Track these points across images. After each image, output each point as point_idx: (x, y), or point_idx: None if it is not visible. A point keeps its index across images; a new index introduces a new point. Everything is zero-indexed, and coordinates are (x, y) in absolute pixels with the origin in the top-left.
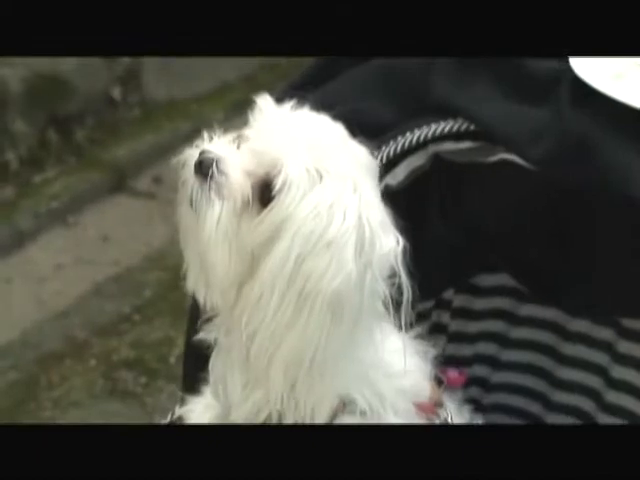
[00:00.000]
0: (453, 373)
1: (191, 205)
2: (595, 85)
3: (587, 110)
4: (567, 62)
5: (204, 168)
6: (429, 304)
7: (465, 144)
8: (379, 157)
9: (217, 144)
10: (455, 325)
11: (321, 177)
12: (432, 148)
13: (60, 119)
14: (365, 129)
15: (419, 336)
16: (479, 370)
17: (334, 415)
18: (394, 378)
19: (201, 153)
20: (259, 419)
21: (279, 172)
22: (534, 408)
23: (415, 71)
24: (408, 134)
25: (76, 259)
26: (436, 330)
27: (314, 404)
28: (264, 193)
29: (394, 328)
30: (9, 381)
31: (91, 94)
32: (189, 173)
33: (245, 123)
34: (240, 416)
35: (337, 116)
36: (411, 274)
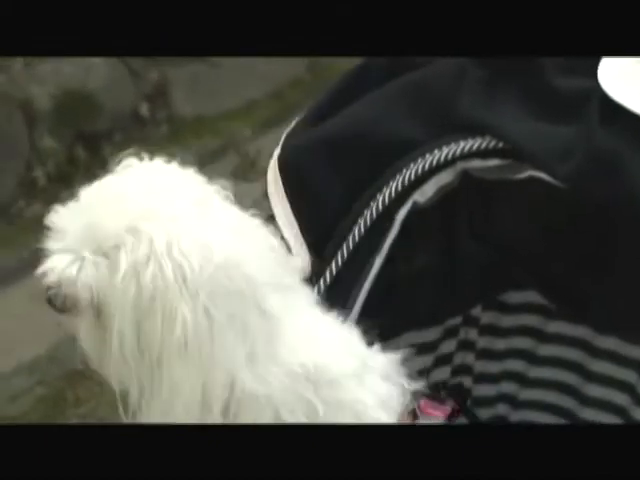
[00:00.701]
0: (434, 410)
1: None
2: (624, 103)
3: (616, 127)
4: (596, 80)
5: (59, 306)
6: (457, 321)
7: (493, 162)
8: (407, 174)
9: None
10: (483, 342)
11: (107, 255)
12: (460, 165)
13: (88, 136)
14: (393, 147)
15: (405, 360)
16: (507, 387)
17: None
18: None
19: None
20: None
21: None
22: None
23: (443, 89)
24: (436, 151)
25: None
26: (464, 347)
27: None
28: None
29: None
30: (36, 397)
31: (119, 111)
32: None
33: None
34: None
35: (366, 135)
36: (439, 290)
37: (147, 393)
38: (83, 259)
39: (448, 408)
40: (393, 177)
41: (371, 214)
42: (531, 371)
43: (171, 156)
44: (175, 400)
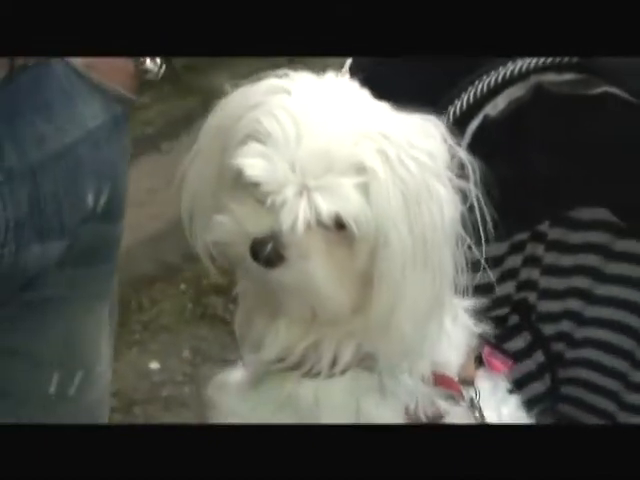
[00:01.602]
0: (496, 361)
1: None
2: None
3: None
4: None
5: (275, 260)
6: (524, 236)
7: (568, 75)
8: (480, 87)
9: (249, 222)
10: (550, 258)
11: (364, 171)
12: (534, 79)
13: None
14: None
15: (480, 310)
16: (572, 303)
17: (348, 366)
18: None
19: (254, 248)
20: (286, 362)
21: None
22: (628, 344)
23: None
24: (510, 64)
25: (170, 184)
26: (530, 262)
27: (341, 352)
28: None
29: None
30: None
31: None
32: (257, 270)
33: None
34: (264, 360)
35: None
36: (508, 205)
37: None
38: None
39: (510, 362)
40: (465, 89)
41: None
42: (598, 289)
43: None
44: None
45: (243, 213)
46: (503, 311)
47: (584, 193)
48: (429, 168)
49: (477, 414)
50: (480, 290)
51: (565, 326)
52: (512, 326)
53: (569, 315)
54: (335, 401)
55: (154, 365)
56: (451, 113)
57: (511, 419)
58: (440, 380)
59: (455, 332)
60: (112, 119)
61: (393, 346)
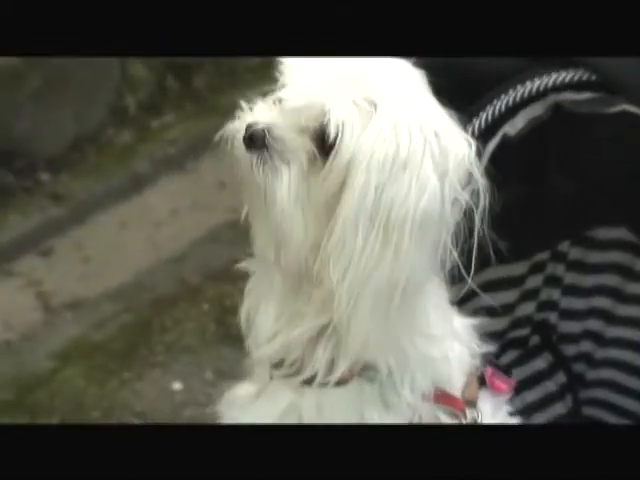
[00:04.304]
0: (498, 381)
1: (254, 180)
2: None
3: None
4: None
5: (257, 141)
6: (545, 255)
7: (586, 94)
8: (498, 106)
9: (259, 113)
10: (570, 278)
11: (375, 105)
12: (552, 98)
13: (179, 65)
14: (485, 79)
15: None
16: (593, 324)
17: (350, 377)
18: (426, 342)
19: (248, 127)
20: (286, 362)
21: (329, 118)
22: None
23: None
24: (528, 83)
25: (192, 204)
26: (551, 282)
27: (337, 355)
28: (323, 145)
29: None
30: (122, 324)
31: None
32: (241, 151)
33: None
34: (266, 354)
35: (455, 67)
36: (527, 224)
37: (347, 261)
38: (334, 99)
39: (513, 381)
40: (483, 108)
41: None
42: (618, 309)
43: (261, 86)
44: (385, 276)
45: (259, 108)
46: (524, 332)
47: (603, 212)
48: (433, 155)
49: None
50: (501, 310)
51: (586, 346)
52: (533, 347)
53: (590, 335)
54: (338, 412)
55: (177, 386)
56: (469, 132)
57: None
58: (443, 397)
59: (458, 350)
60: None
61: (357, 330)
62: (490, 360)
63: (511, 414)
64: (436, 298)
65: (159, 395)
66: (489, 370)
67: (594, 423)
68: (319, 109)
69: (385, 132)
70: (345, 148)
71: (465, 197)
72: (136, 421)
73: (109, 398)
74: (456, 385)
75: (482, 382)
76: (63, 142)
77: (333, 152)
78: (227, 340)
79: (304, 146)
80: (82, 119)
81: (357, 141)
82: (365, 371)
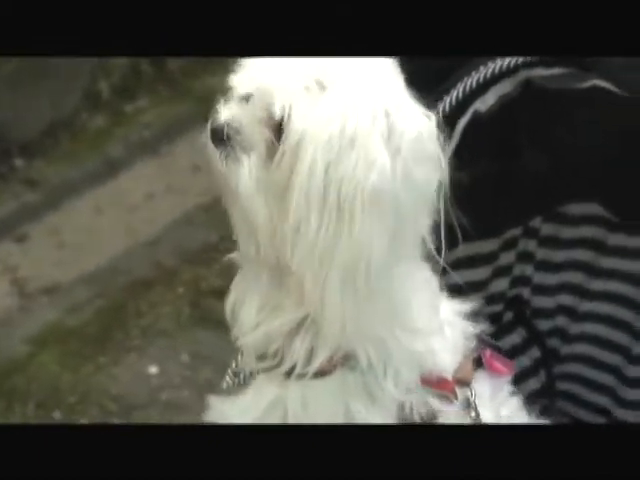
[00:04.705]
0: (497, 363)
1: (221, 173)
2: None
3: None
4: None
5: (219, 135)
6: (517, 232)
7: (556, 70)
8: (469, 83)
9: (226, 107)
10: (542, 253)
11: (323, 87)
12: (523, 74)
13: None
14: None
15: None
16: (566, 299)
17: (332, 367)
18: (410, 336)
19: (211, 123)
20: (269, 351)
21: (274, 102)
22: (622, 339)
23: None
24: (499, 59)
25: (167, 188)
26: (523, 258)
27: (316, 345)
28: (280, 131)
29: (439, 286)
30: (97, 308)
31: None
32: (209, 144)
33: None
34: (249, 345)
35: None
36: (499, 201)
37: (312, 239)
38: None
39: (512, 363)
40: (454, 85)
41: None
42: (591, 283)
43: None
44: (356, 254)
45: (226, 109)
46: (498, 308)
47: (575, 188)
48: (382, 132)
49: (473, 414)
50: (474, 287)
51: (560, 321)
52: (507, 322)
53: (563, 310)
54: (323, 404)
55: (153, 369)
56: (440, 109)
57: (510, 420)
58: (430, 380)
59: (450, 333)
60: None
61: (330, 316)
62: (489, 342)
63: (512, 393)
64: (421, 289)
65: (135, 379)
66: (487, 352)
67: (594, 423)
68: (268, 96)
69: (332, 111)
70: (294, 130)
71: (421, 175)
72: (112, 405)
73: (85, 382)
74: (448, 367)
75: (480, 363)
76: (37, 127)
77: (283, 136)
78: (202, 323)
79: (262, 135)
80: (56, 104)
81: (303, 123)
82: (347, 361)
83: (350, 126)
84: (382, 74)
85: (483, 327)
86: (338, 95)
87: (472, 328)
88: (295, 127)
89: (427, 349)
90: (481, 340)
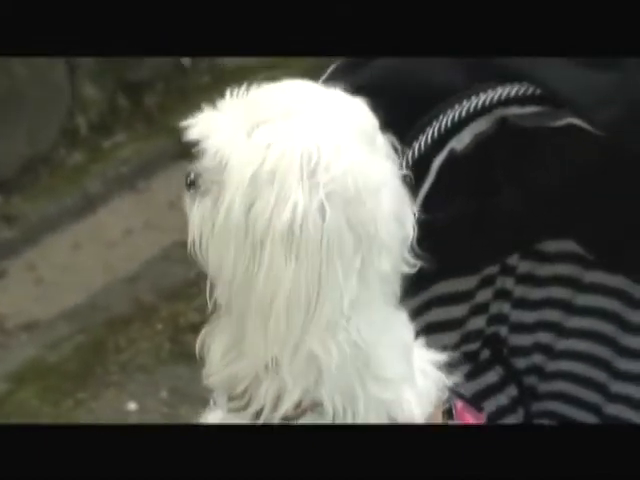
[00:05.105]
0: (468, 415)
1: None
2: None
3: None
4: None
5: (189, 183)
6: (494, 269)
7: (531, 108)
8: (444, 121)
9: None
10: (520, 291)
11: (253, 128)
12: (498, 112)
13: (130, 85)
14: (430, 93)
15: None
16: (543, 337)
17: (300, 413)
18: (380, 384)
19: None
20: (236, 393)
21: (205, 147)
22: (600, 377)
23: None
24: (474, 98)
25: (145, 224)
26: (500, 296)
27: (282, 391)
28: None
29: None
30: (77, 344)
31: (161, 60)
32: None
33: None
34: (216, 385)
35: (401, 84)
36: (476, 239)
37: (241, 281)
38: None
39: (484, 417)
40: (430, 124)
41: (407, 161)
42: (568, 321)
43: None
44: (272, 294)
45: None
46: (475, 346)
47: (551, 226)
48: (302, 169)
49: None
50: (451, 325)
51: (537, 359)
52: (484, 361)
53: (540, 348)
54: None
55: (132, 406)
56: (416, 148)
57: None
58: None
59: (422, 383)
60: None
61: (253, 356)
62: (460, 394)
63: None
64: (393, 336)
65: (114, 415)
66: (459, 404)
67: (594, 424)
68: (212, 146)
69: (257, 150)
70: (226, 172)
71: (353, 214)
72: None
73: (64, 418)
74: (417, 416)
75: (451, 415)
76: (14, 163)
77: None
78: (182, 359)
79: (214, 180)
80: (34, 140)
81: (232, 163)
82: (315, 407)
83: (269, 163)
84: (341, 110)
85: (456, 379)
86: (267, 133)
87: (445, 379)
88: (227, 169)
89: (396, 398)
90: (453, 391)
